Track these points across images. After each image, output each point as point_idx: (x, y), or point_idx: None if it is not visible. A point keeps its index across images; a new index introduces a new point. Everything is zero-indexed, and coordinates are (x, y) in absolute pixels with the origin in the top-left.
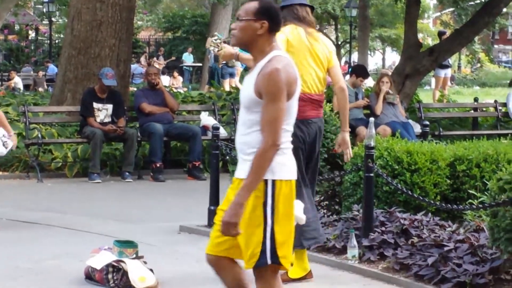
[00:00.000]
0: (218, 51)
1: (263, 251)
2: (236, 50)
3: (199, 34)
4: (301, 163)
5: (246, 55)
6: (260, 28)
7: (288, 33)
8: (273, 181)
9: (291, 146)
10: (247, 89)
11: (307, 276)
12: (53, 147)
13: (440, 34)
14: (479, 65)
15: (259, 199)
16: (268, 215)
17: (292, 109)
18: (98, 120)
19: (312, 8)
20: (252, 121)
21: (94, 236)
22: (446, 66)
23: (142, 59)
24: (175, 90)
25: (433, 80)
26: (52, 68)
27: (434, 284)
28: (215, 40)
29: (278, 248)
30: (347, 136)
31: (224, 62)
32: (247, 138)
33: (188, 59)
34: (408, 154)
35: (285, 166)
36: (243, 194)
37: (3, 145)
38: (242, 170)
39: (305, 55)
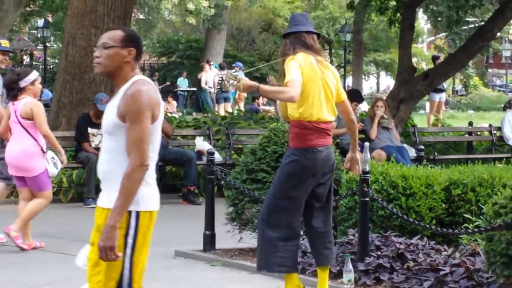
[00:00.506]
0: (237, 83)
1: (120, 281)
2: (255, 83)
3: (193, 59)
4: (297, 190)
5: (270, 88)
6: (128, 55)
7: (301, 61)
8: (137, 213)
9: (155, 175)
10: (110, 114)
11: None
12: None
13: (434, 58)
14: (464, 90)
15: (121, 230)
16: (129, 245)
17: (156, 134)
18: (93, 145)
19: (318, 35)
20: (115, 147)
21: None
22: (441, 90)
23: None
24: (169, 115)
25: (427, 104)
26: (46, 93)
27: None
28: (234, 72)
29: (135, 277)
30: (357, 155)
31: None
32: (109, 166)
33: (182, 83)
34: (403, 178)
35: (148, 196)
36: (114, 217)
37: (54, 165)
38: (105, 199)
39: (316, 83)
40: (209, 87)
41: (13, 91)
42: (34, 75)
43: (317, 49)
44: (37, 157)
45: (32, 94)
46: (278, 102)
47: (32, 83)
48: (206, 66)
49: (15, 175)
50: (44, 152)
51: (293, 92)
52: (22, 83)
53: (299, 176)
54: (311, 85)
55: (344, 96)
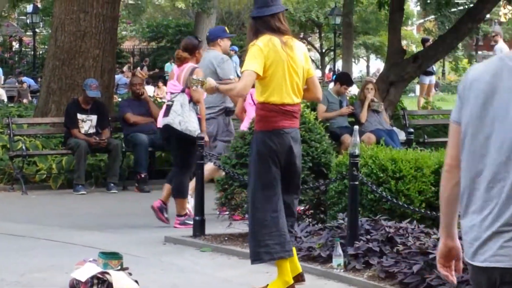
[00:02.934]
0: (201, 86)
1: None
2: (216, 83)
3: None
4: (272, 173)
5: (224, 86)
6: None
7: (263, 45)
8: None
9: None
10: None
11: None
12: (38, 159)
13: (424, 41)
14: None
15: None
16: None
17: None
18: (82, 131)
19: (285, 10)
20: None
21: (79, 248)
22: (431, 73)
23: (125, 68)
24: (159, 100)
25: (417, 87)
26: (26, 79)
27: None
28: (195, 77)
29: None
30: None
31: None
32: None
33: (170, 69)
34: (393, 162)
35: None
36: None
37: None
38: None
39: (281, 66)
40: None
41: None
42: None
43: (284, 30)
44: None
45: None
46: None
47: None
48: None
49: None
50: None
51: (239, 87)
52: None
53: (269, 158)
54: (275, 68)
55: (312, 72)
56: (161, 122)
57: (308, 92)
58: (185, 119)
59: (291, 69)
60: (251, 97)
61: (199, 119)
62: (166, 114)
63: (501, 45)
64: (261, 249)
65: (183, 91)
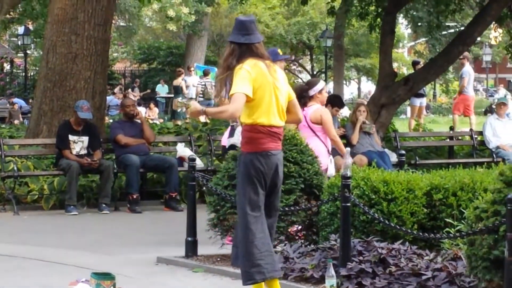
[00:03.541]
0: (186, 109)
1: None
2: (202, 107)
3: (174, 65)
4: (259, 194)
5: (213, 109)
6: None
7: (250, 69)
8: None
9: None
10: None
11: None
12: (29, 180)
13: (414, 63)
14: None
15: None
16: None
17: None
18: (74, 152)
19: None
20: None
21: (71, 268)
22: (422, 95)
23: (117, 90)
24: (151, 122)
25: (408, 109)
26: (17, 101)
27: None
28: (181, 100)
29: None
30: None
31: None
32: None
33: (162, 90)
34: (385, 183)
35: None
36: None
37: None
38: None
39: (268, 89)
40: (190, 97)
41: (303, 99)
42: (321, 85)
43: (266, 56)
44: (323, 156)
45: (319, 102)
46: None
47: (320, 92)
48: (187, 72)
49: None
50: (329, 153)
51: (231, 109)
52: (311, 92)
53: (256, 179)
54: (263, 91)
55: (292, 96)
56: (226, 142)
57: (290, 114)
58: None
59: (277, 92)
60: (305, 119)
61: None
62: (231, 134)
63: (467, 68)
64: (253, 269)
65: None
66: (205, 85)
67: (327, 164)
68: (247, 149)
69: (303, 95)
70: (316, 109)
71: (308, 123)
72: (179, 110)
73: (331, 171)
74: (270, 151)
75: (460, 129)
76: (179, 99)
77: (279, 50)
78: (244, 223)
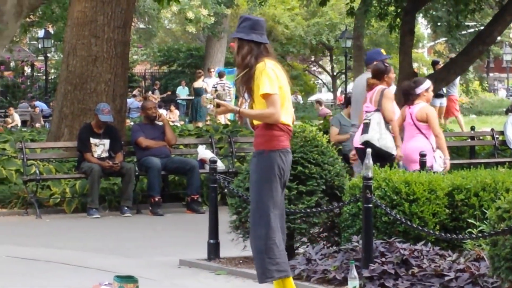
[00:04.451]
0: (213, 107)
1: None
2: (236, 107)
3: (194, 67)
4: (278, 192)
5: (252, 112)
6: None
7: (273, 68)
8: None
9: None
10: None
11: None
12: (51, 183)
13: (434, 63)
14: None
15: None
16: None
17: None
18: (95, 155)
19: None
20: None
21: (94, 271)
22: (441, 96)
23: (136, 92)
24: (172, 124)
25: None
26: (38, 104)
27: None
28: (209, 97)
29: None
30: None
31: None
32: None
33: (182, 92)
34: (406, 184)
35: None
36: None
37: (439, 164)
38: None
39: (286, 89)
40: (217, 94)
41: (410, 97)
42: (427, 84)
43: (275, 56)
44: (428, 153)
45: (425, 100)
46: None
47: (426, 90)
48: (207, 74)
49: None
50: (434, 150)
51: (277, 113)
52: (418, 90)
53: (278, 177)
54: (283, 92)
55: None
56: (358, 139)
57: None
58: (382, 136)
59: (289, 92)
60: (411, 117)
61: (393, 137)
62: (365, 131)
63: None
64: (273, 266)
65: (376, 111)
66: (216, 86)
67: (432, 161)
68: (269, 147)
69: (410, 93)
70: (422, 107)
71: (413, 121)
72: (208, 106)
73: (437, 168)
74: (287, 148)
75: (481, 129)
76: (208, 95)
77: (382, 50)
78: (266, 221)
